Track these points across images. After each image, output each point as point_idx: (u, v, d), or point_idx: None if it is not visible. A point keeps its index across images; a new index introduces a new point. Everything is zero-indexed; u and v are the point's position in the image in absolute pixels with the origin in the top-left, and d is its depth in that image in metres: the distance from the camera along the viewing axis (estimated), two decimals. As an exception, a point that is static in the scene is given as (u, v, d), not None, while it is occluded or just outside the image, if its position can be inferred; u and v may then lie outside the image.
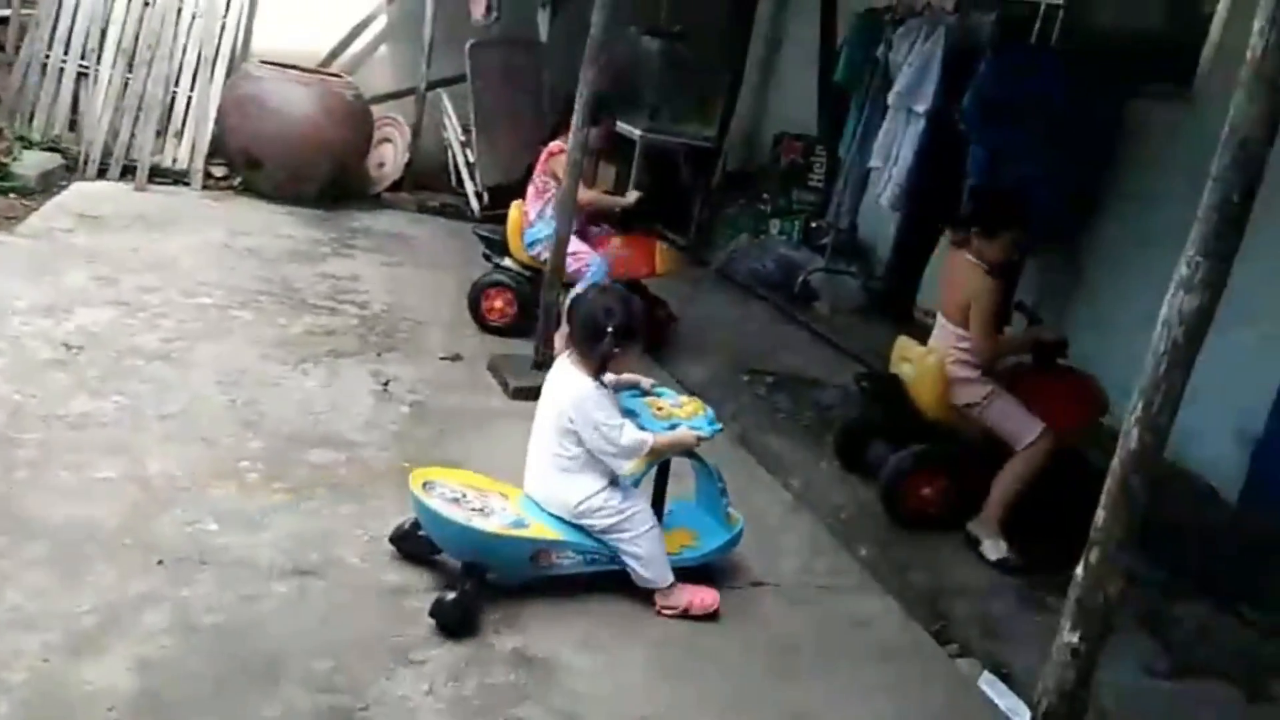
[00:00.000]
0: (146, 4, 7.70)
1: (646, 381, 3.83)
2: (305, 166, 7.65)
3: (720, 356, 6.00)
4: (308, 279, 6.22)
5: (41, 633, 2.86)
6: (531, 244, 5.78)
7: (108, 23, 7.68)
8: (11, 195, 6.66)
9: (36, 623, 2.89)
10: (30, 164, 7.06)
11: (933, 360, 4.35)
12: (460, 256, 6.87)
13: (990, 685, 3.49)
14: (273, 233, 7.03)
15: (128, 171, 7.55)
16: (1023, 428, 4.20)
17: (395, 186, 8.53)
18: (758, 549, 3.98)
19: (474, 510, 3.40)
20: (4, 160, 6.94)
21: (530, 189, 5.83)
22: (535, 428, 3.56)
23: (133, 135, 7.61)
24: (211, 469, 3.89)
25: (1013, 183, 5.72)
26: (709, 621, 3.53)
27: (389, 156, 8.60)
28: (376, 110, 8.37)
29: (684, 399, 3.82)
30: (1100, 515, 2.30)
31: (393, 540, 3.58)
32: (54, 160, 7.37)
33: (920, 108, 6.46)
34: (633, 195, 5.98)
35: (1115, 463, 2.28)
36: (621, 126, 8.18)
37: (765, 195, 8.45)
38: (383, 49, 9.02)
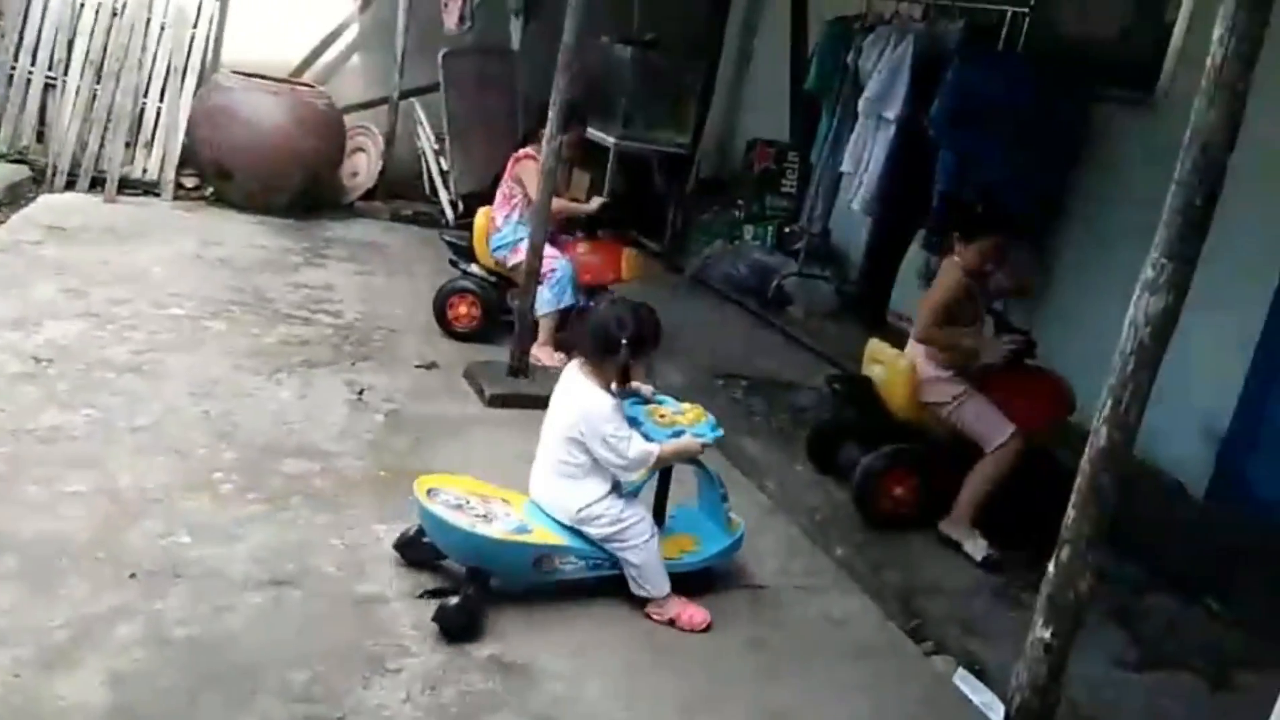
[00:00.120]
0: (115, 14, 7.66)
1: (647, 389, 3.85)
2: (277, 176, 7.62)
3: (695, 361, 6.02)
4: (281, 289, 6.20)
5: (13, 647, 2.83)
6: (497, 249, 5.80)
7: (75, 33, 7.63)
8: (-22, 208, 6.62)
9: (7, 637, 2.87)
10: (-3, 176, 7.01)
11: (904, 363, 4.40)
12: (434, 264, 6.86)
13: (965, 681, 3.52)
14: (245, 243, 7.00)
15: (97, 183, 7.50)
16: (993, 429, 4.25)
17: (368, 195, 8.51)
18: (735, 551, 4.00)
19: (477, 516, 3.43)
20: (-29, 173, 6.89)
21: (498, 195, 5.86)
22: (544, 432, 3.60)
23: (102, 146, 7.57)
24: (184, 481, 3.87)
25: (981, 186, 5.78)
26: (687, 624, 3.56)
27: (362, 166, 8.58)
28: (349, 119, 8.36)
29: (685, 406, 3.85)
30: (1071, 513, 2.33)
31: (397, 547, 3.60)
32: (21, 172, 7.33)
33: (890, 114, 6.51)
34: (596, 202, 6.02)
35: (1085, 461, 2.31)
36: (595, 134, 8.22)
37: (739, 201, 8.49)
38: (355, 58, 9.00)
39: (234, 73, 7.82)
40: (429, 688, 3.00)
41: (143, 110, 7.76)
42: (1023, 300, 5.80)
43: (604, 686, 3.18)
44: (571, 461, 3.49)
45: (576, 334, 3.60)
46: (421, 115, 8.66)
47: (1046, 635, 2.37)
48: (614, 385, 3.56)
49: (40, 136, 7.70)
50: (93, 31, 7.64)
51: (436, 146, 8.57)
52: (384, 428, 4.64)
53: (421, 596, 3.42)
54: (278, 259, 6.79)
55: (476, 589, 3.34)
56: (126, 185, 7.58)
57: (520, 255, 5.62)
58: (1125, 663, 3.73)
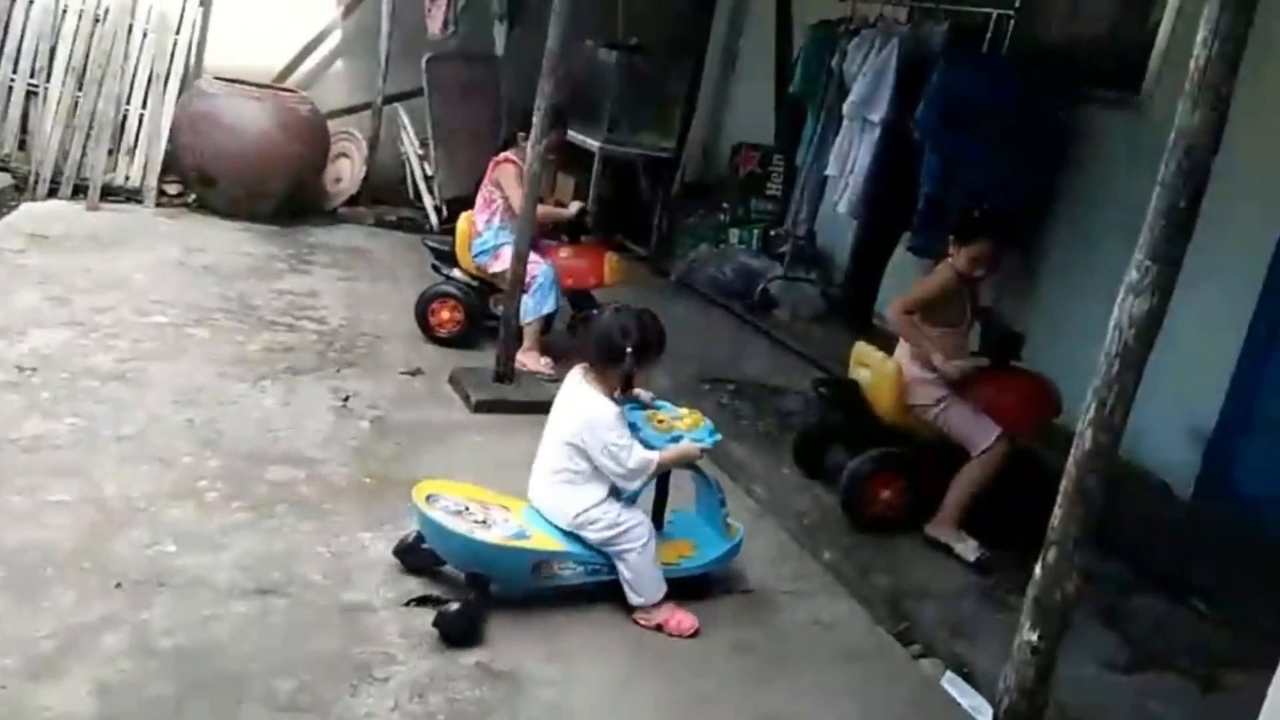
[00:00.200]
0: (97, 20, 7.62)
1: (646, 394, 3.86)
2: (260, 182, 7.60)
3: (682, 365, 5.99)
4: (265, 295, 6.18)
5: (-2, 658, 2.81)
6: (478, 255, 5.79)
7: (57, 40, 7.59)
8: (-40, 216, 6.58)
9: (-8, 648, 2.85)
10: (-21, 184, 6.98)
11: (891, 365, 4.40)
12: (418, 270, 6.83)
13: (953, 684, 3.53)
14: (228, 250, 6.97)
15: (79, 191, 7.45)
16: (978, 433, 4.25)
17: (352, 201, 8.48)
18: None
19: (476, 522, 3.44)
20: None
21: (478, 200, 5.85)
22: (544, 438, 3.62)
23: (84, 154, 7.53)
24: (169, 489, 3.85)
25: (970, 189, 5.80)
26: (675, 629, 3.55)
27: (346, 171, 8.55)
28: (333, 125, 8.33)
29: (683, 411, 3.86)
30: (1057, 515, 2.34)
31: (397, 553, 3.61)
32: (3, 180, 7.29)
33: (875, 117, 6.52)
34: (574, 206, 5.99)
35: (1070, 463, 2.32)
36: (580, 138, 8.22)
37: (724, 205, 8.49)
38: (339, 64, 8.97)
39: (217, 79, 7.78)
40: (416, 695, 2.99)
41: (125, 117, 7.72)
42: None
43: (592, 693, 3.17)
44: (572, 468, 3.50)
45: (581, 341, 3.60)
46: (405, 120, 8.64)
47: (1034, 637, 2.37)
48: (617, 392, 3.57)
49: (22, 144, 7.66)
50: (75, 38, 7.60)
51: (420, 152, 8.55)
52: (369, 434, 4.63)
53: (408, 604, 3.41)
54: (261, 265, 6.77)
55: (476, 595, 3.35)
56: (109, 193, 7.54)
57: (501, 261, 5.62)
58: (1114, 664, 3.73)
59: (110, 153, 7.63)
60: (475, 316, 5.87)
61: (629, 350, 3.51)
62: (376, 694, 2.97)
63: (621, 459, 3.45)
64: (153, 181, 7.68)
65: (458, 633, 3.25)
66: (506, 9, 8.65)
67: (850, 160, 6.73)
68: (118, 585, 3.23)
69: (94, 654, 2.91)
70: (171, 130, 7.68)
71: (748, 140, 8.56)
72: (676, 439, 3.66)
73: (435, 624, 3.24)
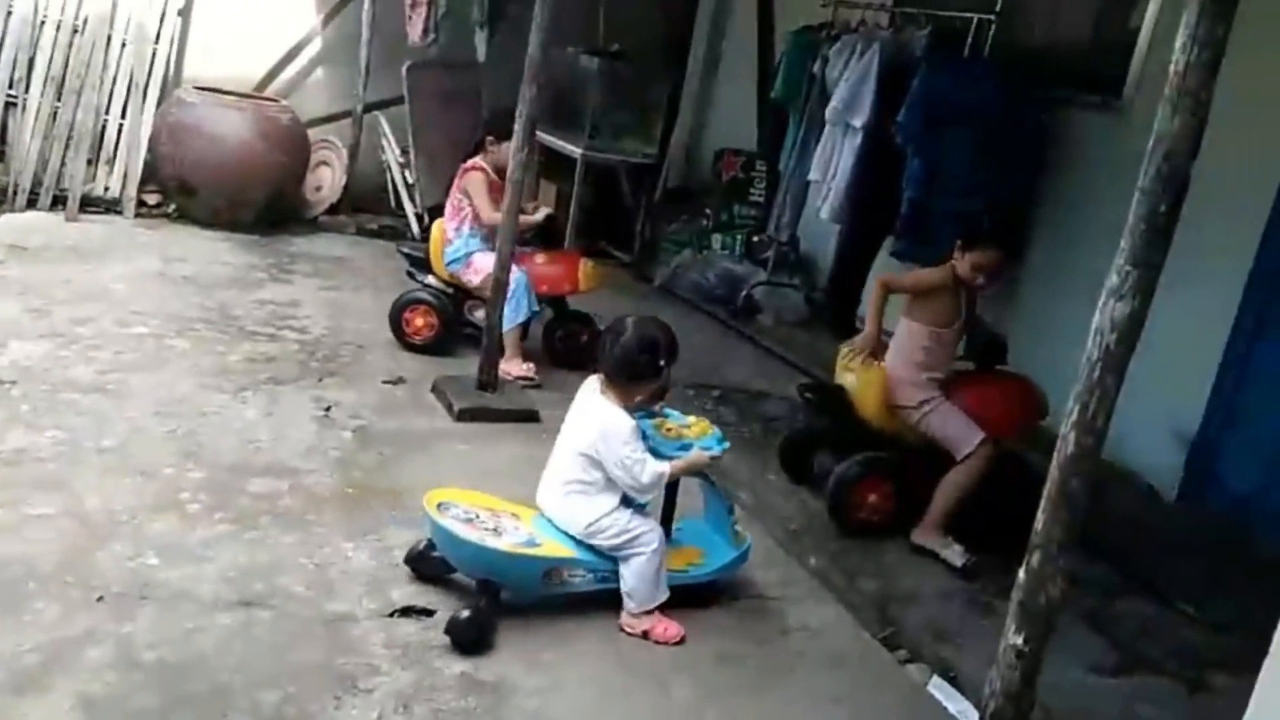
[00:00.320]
0: (76, 31, 7.58)
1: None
2: (240, 192, 7.56)
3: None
4: (246, 305, 6.14)
5: (-21, 674, 2.79)
6: (450, 263, 5.78)
7: (36, 50, 7.53)
8: (-62, 227, 6.53)
9: (-27, 664, 2.82)
10: (-43, 195, 6.92)
11: (876, 370, 4.41)
12: (399, 278, 6.77)
13: (940, 689, 3.53)
14: (209, 260, 6.93)
15: (58, 201, 7.40)
16: (963, 437, 4.26)
17: (333, 210, 8.44)
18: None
19: (487, 530, 3.45)
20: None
21: (448, 207, 5.85)
22: (557, 446, 3.63)
23: (63, 164, 7.48)
24: (152, 501, 3.82)
25: (950, 193, 5.82)
26: (661, 636, 3.55)
27: (326, 180, 8.52)
28: (313, 134, 8.30)
29: (690, 418, 3.85)
30: (1041, 518, 2.34)
31: (408, 561, 3.61)
32: (-19, 191, 7.22)
33: (857, 122, 6.53)
34: (542, 212, 5.97)
35: (1054, 466, 2.32)
36: (561, 145, 8.22)
37: (707, 210, 8.51)
38: (319, 72, 8.93)
39: (196, 88, 7.74)
40: (401, 706, 2.97)
41: (104, 127, 7.67)
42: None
43: (577, 702, 3.16)
44: (585, 478, 3.51)
45: (602, 356, 3.58)
46: (386, 128, 8.62)
47: (1019, 641, 2.37)
48: (640, 400, 3.58)
49: (1, 155, 7.60)
50: (53, 49, 7.54)
51: (401, 160, 8.52)
52: (352, 444, 4.60)
53: (392, 615, 3.39)
54: (242, 275, 6.73)
55: (487, 602, 3.36)
56: (89, 203, 7.49)
57: (473, 272, 5.62)
58: (1100, 667, 3.75)
59: (89, 163, 7.58)
60: (450, 323, 5.85)
61: (662, 364, 3.53)
62: (361, 705, 2.95)
63: (636, 473, 3.46)
64: (132, 192, 7.63)
65: (469, 640, 3.25)
66: (487, 16, 8.63)
67: (833, 165, 6.74)
68: (100, 598, 3.20)
69: (77, 667, 2.88)
70: (151, 140, 7.64)
71: (730, 146, 8.58)
72: (685, 447, 3.67)
73: (446, 631, 3.25)
